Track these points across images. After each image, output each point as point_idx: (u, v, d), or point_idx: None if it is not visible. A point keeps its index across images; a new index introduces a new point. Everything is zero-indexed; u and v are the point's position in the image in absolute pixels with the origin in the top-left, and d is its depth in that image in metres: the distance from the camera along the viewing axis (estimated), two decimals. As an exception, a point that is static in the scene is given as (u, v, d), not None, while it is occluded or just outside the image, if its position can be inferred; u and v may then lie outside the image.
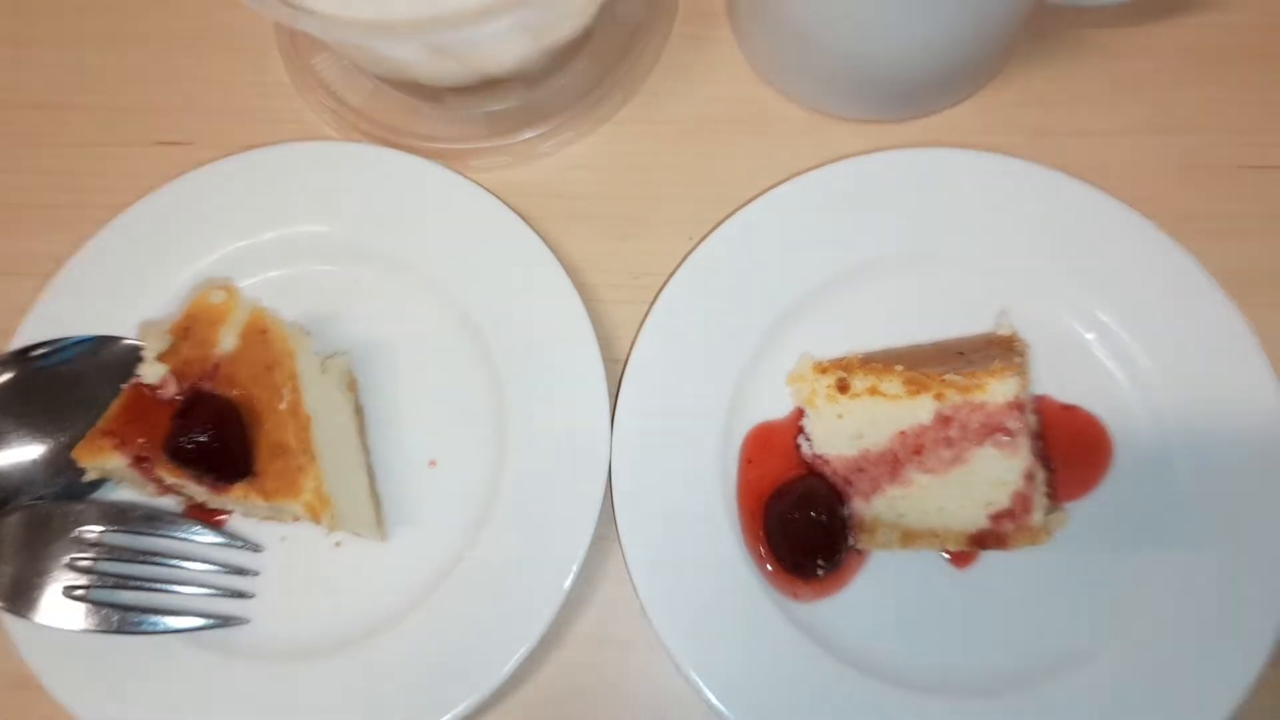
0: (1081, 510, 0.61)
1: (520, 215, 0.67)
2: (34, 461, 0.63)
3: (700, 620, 0.59)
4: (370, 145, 0.70)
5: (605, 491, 0.61)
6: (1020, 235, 0.64)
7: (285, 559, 0.63)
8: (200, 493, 0.57)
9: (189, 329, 0.57)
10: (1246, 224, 0.68)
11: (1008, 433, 0.54)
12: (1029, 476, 0.54)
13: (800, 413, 0.63)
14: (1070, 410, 0.62)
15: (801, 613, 0.60)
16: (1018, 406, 0.55)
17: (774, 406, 0.64)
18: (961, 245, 0.65)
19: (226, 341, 0.57)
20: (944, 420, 0.56)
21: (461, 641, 0.59)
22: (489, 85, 0.70)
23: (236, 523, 0.64)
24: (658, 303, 0.65)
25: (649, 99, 0.74)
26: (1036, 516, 0.54)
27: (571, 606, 0.63)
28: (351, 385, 0.65)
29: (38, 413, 0.63)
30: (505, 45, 0.63)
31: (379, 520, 0.62)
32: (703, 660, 0.58)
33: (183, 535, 0.62)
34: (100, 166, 0.75)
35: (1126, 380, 0.62)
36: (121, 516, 0.61)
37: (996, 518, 0.55)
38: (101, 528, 0.61)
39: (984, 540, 0.55)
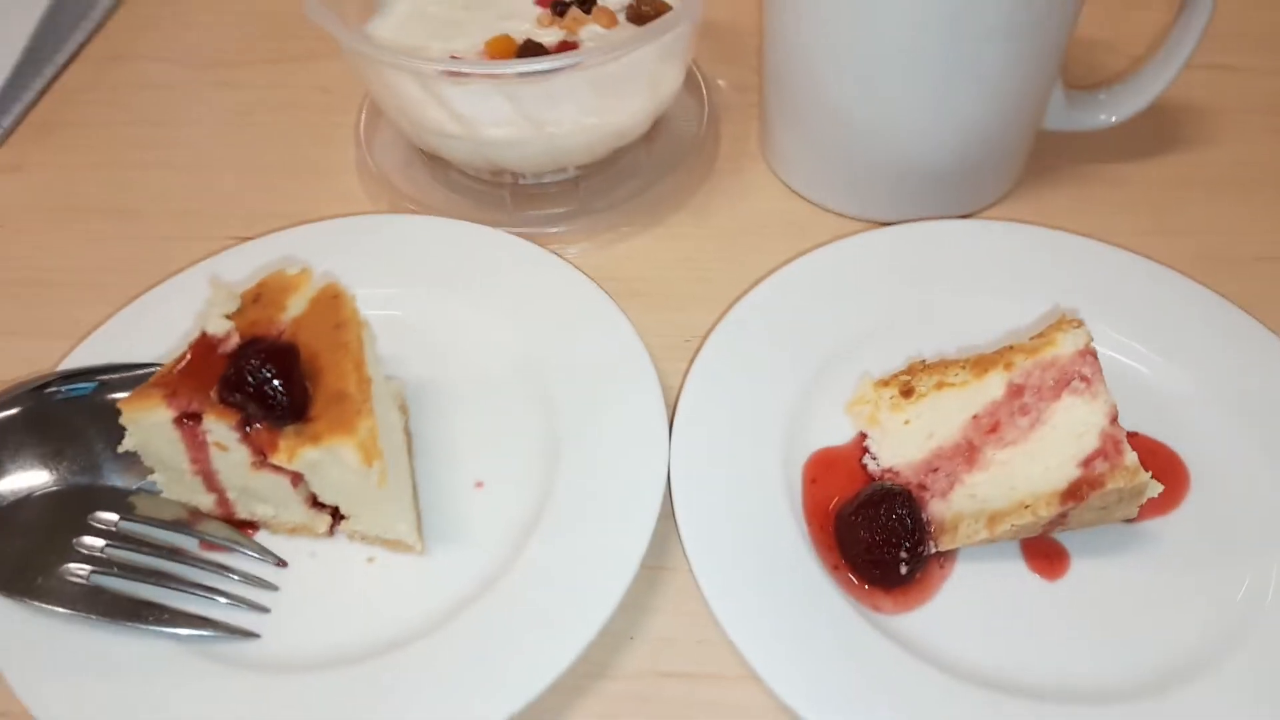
0: (1166, 528, 0.58)
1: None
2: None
3: (788, 642, 0.52)
4: (441, 218, 0.74)
5: (657, 521, 0.58)
6: (1060, 294, 0.67)
7: (311, 575, 0.58)
8: (241, 460, 0.54)
9: (260, 295, 0.57)
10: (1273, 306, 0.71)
11: (1084, 379, 0.53)
12: (1113, 417, 0.52)
13: (862, 436, 0.62)
14: (1134, 436, 0.61)
15: (891, 625, 0.54)
16: (1090, 352, 0.54)
17: (833, 435, 0.62)
18: (998, 311, 0.67)
19: (295, 307, 0.57)
20: (1017, 390, 0.55)
21: (491, 661, 0.53)
22: (555, 196, 0.78)
23: (262, 539, 0.59)
24: (706, 344, 0.66)
25: (695, 213, 0.80)
26: (1129, 456, 0.51)
27: (620, 636, 0.57)
28: (403, 409, 0.64)
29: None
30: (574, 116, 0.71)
31: (419, 528, 0.58)
32: (798, 684, 0.51)
33: (203, 534, 0.57)
34: (170, 256, 0.78)
35: (1182, 407, 0.62)
36: (141, 505, 0.57)
37: (1087, 462, 0.52)
38: (117, 515, 0.56)
39: (1079, 490, 0.51)
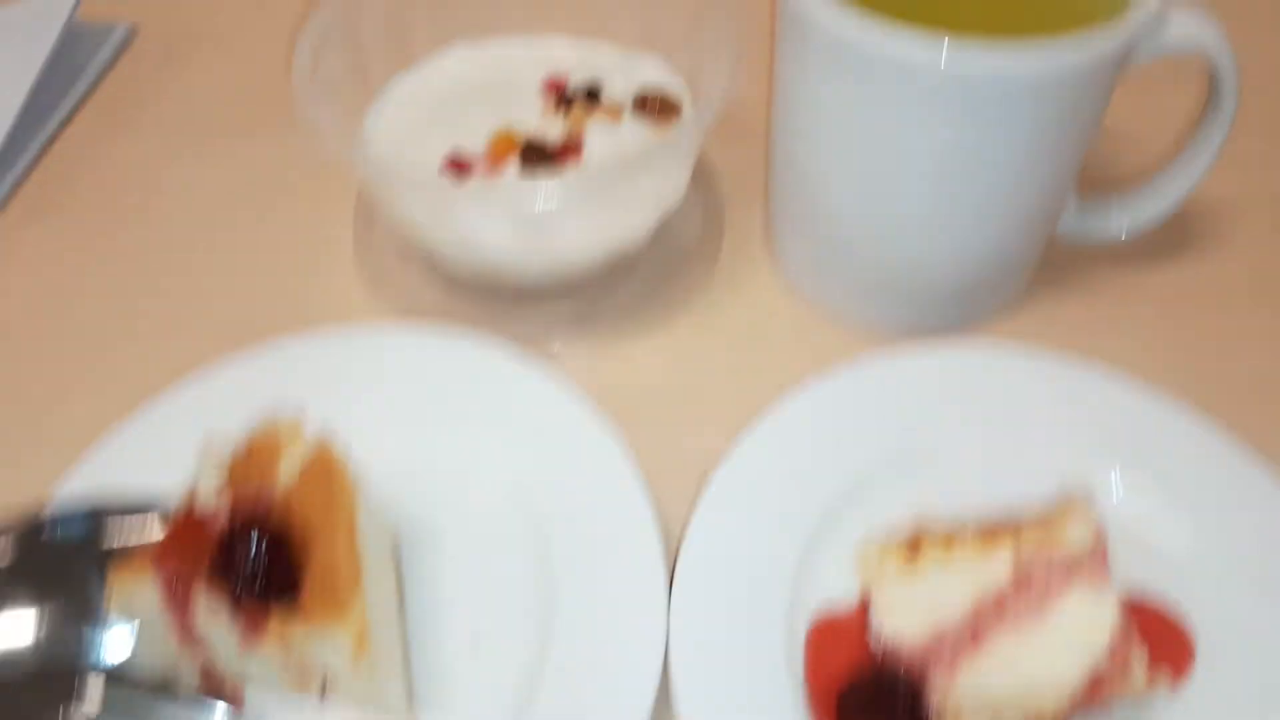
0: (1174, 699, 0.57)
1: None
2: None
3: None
4: (434, 331, 0.72)
5: (659, 686, 0.56)
6: (1069, 429, 0.66)
7: (298, 743, 0.57)
8: (230, 637, 0.53)
9: (250, 454, 0.55)
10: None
11: (1092, 573, 0.52)
12: (1123, 621, 0.51)
13: (867, 601, 0.60)
14: (1139, 607, 0.59)
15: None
16: (1100, 550, 0.53)
17: (838, 588, 0.61)
18: (1002, 440, 0.66)
19: (287, 473, 0.55)
20: (1022, 576, 0.54)
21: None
22: (554, 301, 0.76)
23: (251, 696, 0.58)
24: (706, 495, 0.63)
25: (699, 316, 0.78)
26: (1138, 668, 0.50)
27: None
28: (394, 553, 0.62)
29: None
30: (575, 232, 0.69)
31: (410, 697, 0.57)
32: None
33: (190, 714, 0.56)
34: (154, 360, 0.75)
35: (1188, 562, 0.61)
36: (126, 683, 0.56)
37: (1095, 669, 0.51)
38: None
39: (1086, 697, 0.50)
